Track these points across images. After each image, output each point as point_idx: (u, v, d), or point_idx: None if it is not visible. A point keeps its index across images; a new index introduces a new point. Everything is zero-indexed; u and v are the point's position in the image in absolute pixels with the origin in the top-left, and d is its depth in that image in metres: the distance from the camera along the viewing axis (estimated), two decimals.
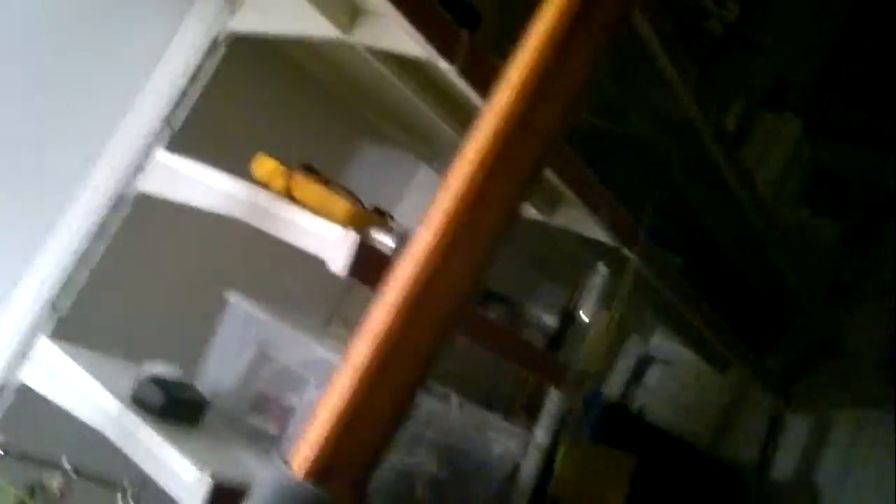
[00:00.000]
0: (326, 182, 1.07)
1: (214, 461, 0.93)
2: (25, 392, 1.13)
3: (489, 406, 1.39)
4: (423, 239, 0.56)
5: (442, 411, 1.26)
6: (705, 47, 1.46)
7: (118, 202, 1.14)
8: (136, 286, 1.24)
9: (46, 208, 1.18)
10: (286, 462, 0.54)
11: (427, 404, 1.21)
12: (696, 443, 2.36)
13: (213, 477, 0.88)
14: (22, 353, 1.14)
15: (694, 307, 1.66)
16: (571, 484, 1.79)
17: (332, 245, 0.89)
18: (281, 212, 0.98)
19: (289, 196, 1.07)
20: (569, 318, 1.36)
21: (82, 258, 1.14)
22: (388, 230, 0.97)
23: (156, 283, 1.27)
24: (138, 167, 1.14)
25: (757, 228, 1.80)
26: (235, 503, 0.91)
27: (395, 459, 1.14)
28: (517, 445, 1.33)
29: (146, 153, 1.13)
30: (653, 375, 2.25)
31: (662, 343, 2.24)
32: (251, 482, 0.70)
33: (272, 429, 1.09)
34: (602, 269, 1.40)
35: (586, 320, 1.38)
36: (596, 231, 1.30)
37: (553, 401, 1.35)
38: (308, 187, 1.06)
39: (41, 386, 1.11)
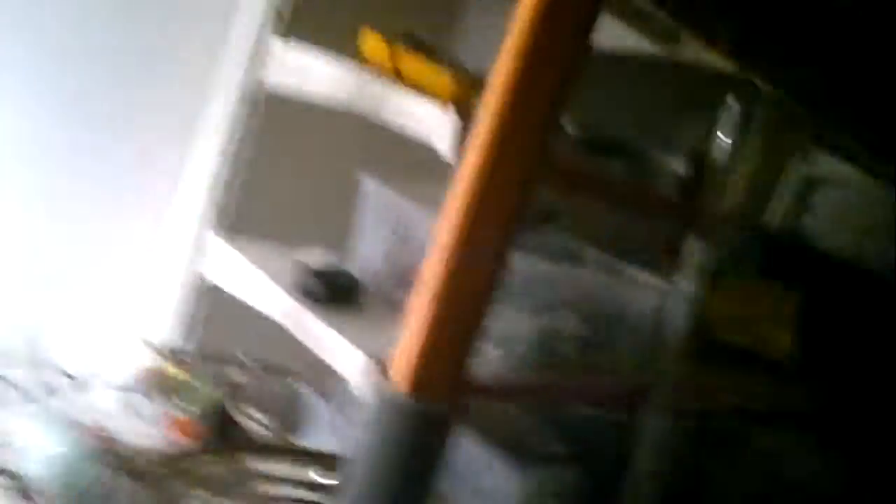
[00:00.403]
0: (430, 53, 1.08)
1: (374, 341, 1.01)
2: (207, 289, 1.28)
3: (629, 258, 1.39)
4: None
5: (579, 269, 1.29)
6: None
7: (248, 98, 1.22)
8: (280, 177, 1.33)
9: (187, 110, 1.29)
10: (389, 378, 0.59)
11: (562, 265, 1.24)
12: (875, 270, 2.22)
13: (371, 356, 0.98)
14: (198, 250, 1.29)
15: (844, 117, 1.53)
16: (730, 326, 1.76)
17: (437, 128, 0.92)
18: (387, 95, 1.01)
19: (396, 72, 1.10)
20: (700, 160, 1.31)
21: (229, 155, 1.25)
22: None
23: (298, 173, 1.36)
24: (259, 61, 1.20)
25: None
26: None
27: (538, 321, 1.18)
28: (660, 296, 1.33)
29: (263, 46, 1.20)
30: (820, 199, 2.11)
31: (827, 163, 2.08)
32: None
33: None
34: (733, 102, 1.32)
35: (722, 158, 1.32)
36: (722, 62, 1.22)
37: (693, 247, 1.33)
38: (412, 62, 1.08)
39: (219, 280, 1.26)
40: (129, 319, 1.33)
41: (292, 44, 1.17)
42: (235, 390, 1.17)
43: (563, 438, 1.42)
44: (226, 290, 1.23)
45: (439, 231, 0.69)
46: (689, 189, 1.31)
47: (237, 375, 1.18)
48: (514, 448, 1.33)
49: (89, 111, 1.23)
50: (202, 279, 1.28)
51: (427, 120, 0.94)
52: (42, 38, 1.17)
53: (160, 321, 1.31)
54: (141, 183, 1.30)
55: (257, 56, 1.20)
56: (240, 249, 1.24)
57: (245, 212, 1.28)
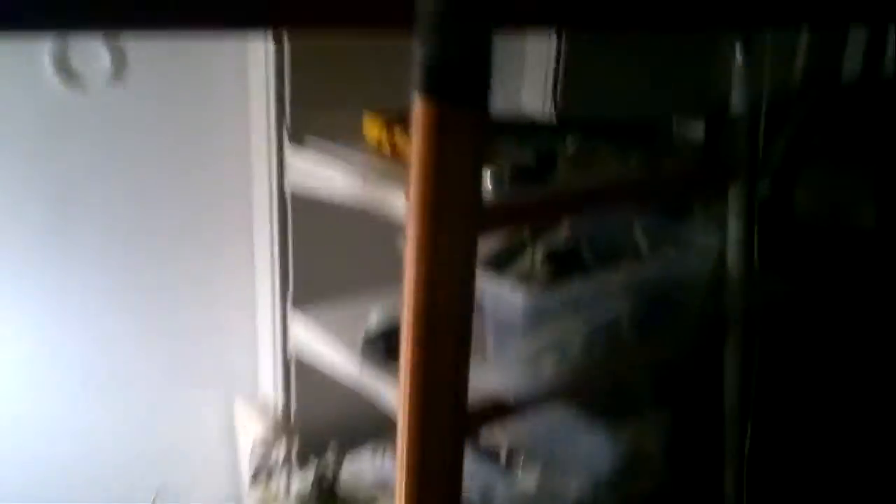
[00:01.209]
0: None
1: None
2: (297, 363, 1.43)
3: (675, 217, 1.42)
4: None
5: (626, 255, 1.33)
6: None
7: (278, 198, 1.33)
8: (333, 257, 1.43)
9: (240, 216, 1.42)
10: None
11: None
12: None
13: None
14: (282, 328, 1.44)
15: None
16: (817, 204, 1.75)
17: None
18: (386, 196, 1.08)
19: (393, 150, 1.17)
20: (717, 117, 1.29)
21: (289, 244, 1.38)
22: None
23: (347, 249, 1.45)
24: (278, 167, 1.30)
25: None
26: None
27: (586, 321, 1.25)
28: (712, 248, 1.37)
29: (280, 155, 1.29)
30: None
31: None
32: None
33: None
34: (741, 49, 1.29)
35: (741, 108, 1.30)
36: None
37: (735, 196, 1.34)
38: (407, 141, 1.14)
39: (302, 352, 1.41)
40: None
41: (303, 148, 1.26)
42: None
43: (652, 390, 1.52)
44: (307, 361, 1.39)
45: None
46: (711, 148, 1.31)
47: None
48: (606, 408, 1.44)
49: (164, 222, 1.38)
50: (290, 353, 1.44)
51: None
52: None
53: (262, 398, 1.50)
54: (215, 276, 1.45)
55: (276, 163, 1.29)
56: (314, 319, 1.38)
57: (313, 286, 1.41)
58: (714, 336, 1.40)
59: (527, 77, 1.59)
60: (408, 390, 0.73)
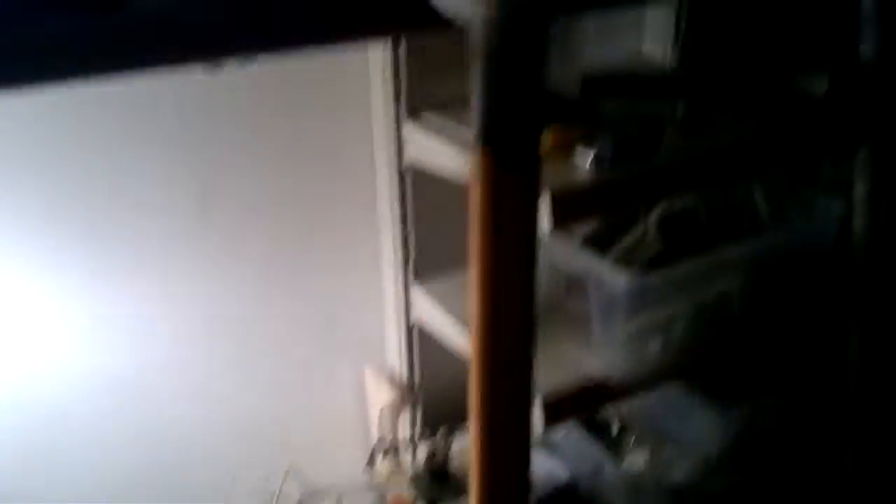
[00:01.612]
0: None
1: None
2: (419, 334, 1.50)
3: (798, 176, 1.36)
4: None
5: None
6: None
7: (399, 175, 1.40)
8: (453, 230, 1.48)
9: (365, 193, 1.50)
10: None
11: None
12: None
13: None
14: (405, 302, 1.51)
15: None
16: None
17: None
18: None
19: None
20: (842, 70, 1.22)
21: (409, 219, 1.44)
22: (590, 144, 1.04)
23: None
24: (397, 143, 1.36)
25: None
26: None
27: (693, 300, 1.23)
28: (837, 214, 1.31)
29: (398, 132, 1.35)
30: None
31: None
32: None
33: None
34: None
35: (870, 56, 1.22)
36: None
37: (865, 158, 1.27)
38: None
39: (426, 326, 1.47)
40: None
41: (420, 123, 1.31)
42: None
43: (761, 372, 1.46)
44: (429, 332, 1.44)
45: None
46: (839, 102, 1.25)
47: None
48: (714, 389, 1.40)
49: (297, 202, 1.47)
50: (413, 324, 1.50)
51: None
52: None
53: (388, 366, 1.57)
54: (342, 253, 1.54)
55: (394, 139, 1.35)
56: (434, 291, 1.43)
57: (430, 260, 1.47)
58: (836, 312, 1.33)
59: (648, 25, 1.56)
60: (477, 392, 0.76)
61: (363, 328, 1.59)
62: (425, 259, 1.47)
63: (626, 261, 1.30)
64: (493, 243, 0.68)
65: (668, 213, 1.31)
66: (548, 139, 1.11)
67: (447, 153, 1.22)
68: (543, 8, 0.61)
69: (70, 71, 0.73)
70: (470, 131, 0.68)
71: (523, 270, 0.70)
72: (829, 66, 1.24)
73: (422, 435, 1.56)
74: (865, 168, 1.30)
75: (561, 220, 1.00)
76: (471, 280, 0.73)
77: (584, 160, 1.07)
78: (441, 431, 1.50)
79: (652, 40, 1.51)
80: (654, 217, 1.32)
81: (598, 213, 1.20)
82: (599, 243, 1.33)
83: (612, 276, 1.14)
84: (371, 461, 1.56)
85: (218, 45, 0.76)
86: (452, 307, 1.39)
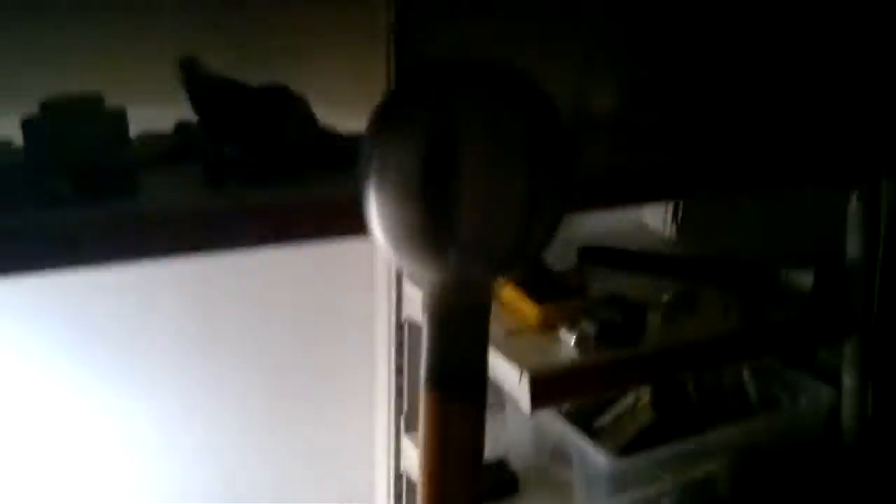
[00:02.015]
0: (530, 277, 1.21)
1: None
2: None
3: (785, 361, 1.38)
4: None
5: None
6: None
7: (398, 329, 1.43)
8: None
9: (363, 346, 1.54)
10: None
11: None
12: None
13: None
14: (395, 451, 1.52)
15: None
16: None
17: (517, 390, 1.03)
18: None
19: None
20: (827, 268, 1.27)
21: (399, 369, 1.47)
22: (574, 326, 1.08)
23: None
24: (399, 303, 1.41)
25: None
26: None
27: (677, 480, 1.23)
28: (825, 398, 1.32)
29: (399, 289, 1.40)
30: None
31: None
32: None
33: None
34: (855, 201, 1.27)
35: (856, 259, 1.27)
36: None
37: (850, 351, 1.29)
38: (506, 289, 1.21)
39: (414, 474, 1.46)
40: None
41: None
42: None
43: None
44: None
45: None
46: (819, 298, 1.28)
47: None
48: None
49: (297, 353, 1.50)
50: (403, 473, 1.50)
51: (509, 379, 1.06)
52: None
53: None
54: (341, 406, 1.56)
55: (395, 296, 1.40)
56: None
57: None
58: (826, 495, 1.31)
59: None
60: None
61: (353, 474, 1.60)
62: (417, 411, 1.49)
63: (614, 431, 1.31)
64: (438, 459, 0.71)
65: (662, 387, 1.32)
66: (535, 314, 1.15)
67: None
68: (490, 278, 0.66)
69: (89, 256, 0.78)
70: None
71: (467, 478, 0.73)
72: (816, 262, 1.29)
73: None
74: (854, 360, 1.33)
75: (540, 402, 1.02)
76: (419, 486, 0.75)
77: (569, 341, 1.09)
78: None
79: (653, 213, 1.58)
80: (647, 388, 1.34)
81: (579, 395, 1.21)
82: (589, 408, 1.34)
83: (594, 456, 1.15)
84: None
85: (223, 237, 0.81)
86: None
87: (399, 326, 1.43)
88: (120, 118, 0.95)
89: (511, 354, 1.08)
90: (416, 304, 1.38)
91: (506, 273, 0.67)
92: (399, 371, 1.47)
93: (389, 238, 0.64)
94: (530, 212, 0.59)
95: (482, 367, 0.72)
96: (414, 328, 1.43)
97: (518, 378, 1.04)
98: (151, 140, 1.08)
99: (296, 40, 1.25)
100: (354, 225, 0.74)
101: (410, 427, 1.48)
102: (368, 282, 1.49)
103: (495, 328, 1.15)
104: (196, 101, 1.07)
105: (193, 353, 1.41)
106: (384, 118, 0.63)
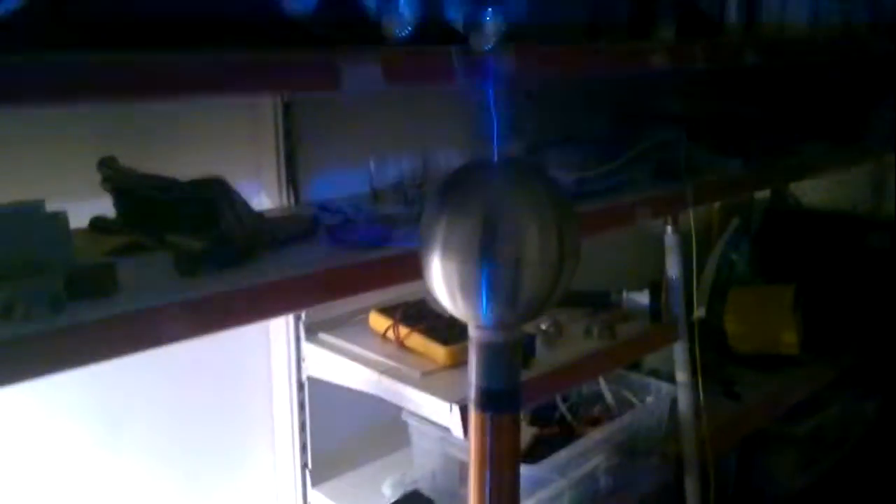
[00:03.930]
0: (427, 323, 1.38)
1: None
2: None
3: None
4: None
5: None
6: None
7: (300, 387, 1.53)
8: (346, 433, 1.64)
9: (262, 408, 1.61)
10: None
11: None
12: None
13: None
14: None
15: None
16: (746, 340, 2.04)
17: (448, 419, 1.20)
18: (406, 392, 1.30)
19: (400, 344, 1.40)
20: (658, 286, 1.59)
21: (307, 427, 1.56)
22: None
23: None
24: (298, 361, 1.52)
25: None
26: None
27: (570, 481, 1.45)
28: (666, 393, 1.62)
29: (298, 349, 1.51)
30: None
31: None
32: None
33: None
34: (671, 230, 1.60)
35: (674, 277, 1.60)
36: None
37: (679, 352, 1.61)
38: (411, 337, 1.38)
39: None
40: None
41: (318, 341, 1.48)
42: None
43: None
44: None
45: None
46: (656, 311, 1.59)
47: None
48: None
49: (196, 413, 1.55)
50: None
51: (438, 412, 1.22)
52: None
53: None
54: (239, 461, 1.62)
55: (294, 355, 1.50)
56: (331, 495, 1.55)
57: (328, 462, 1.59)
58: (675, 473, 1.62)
59: None
60: None
61: None
62: (321, 464, 1.59)
63: None
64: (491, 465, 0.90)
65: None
66: (443, 355, 1.32)
67: (351, 369, 1.40)
68: (524, 321, 0.86)
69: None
70: None
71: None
72: (648, 284, 1.62)
73: None
74: (682, 359, 1.65)
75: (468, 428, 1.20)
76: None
77: None
78: None
79: None
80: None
81: None
82: None
83: None
84: None
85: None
86: None
87: (300, 385, 1.54)
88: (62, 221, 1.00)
89: (436, 391, 1.24)
90: (317, 363, 1.49)
91: (535, 316, 0.89)
92: (303, 427, 1.56)
93: (449, 291, 0.83)
94: (559, 270, 0.78)
95: (517, 386, 0.91)
96: (315, 384, 1.54)
97: (449, 409, 1.20)
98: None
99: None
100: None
101: (318, 481, 1.58)
102: (265, 348, 1.58)
103: (411, 371, 1.33)
104: (118, 198, 1.14)
105: None
106: (445, 203, 0.83)
